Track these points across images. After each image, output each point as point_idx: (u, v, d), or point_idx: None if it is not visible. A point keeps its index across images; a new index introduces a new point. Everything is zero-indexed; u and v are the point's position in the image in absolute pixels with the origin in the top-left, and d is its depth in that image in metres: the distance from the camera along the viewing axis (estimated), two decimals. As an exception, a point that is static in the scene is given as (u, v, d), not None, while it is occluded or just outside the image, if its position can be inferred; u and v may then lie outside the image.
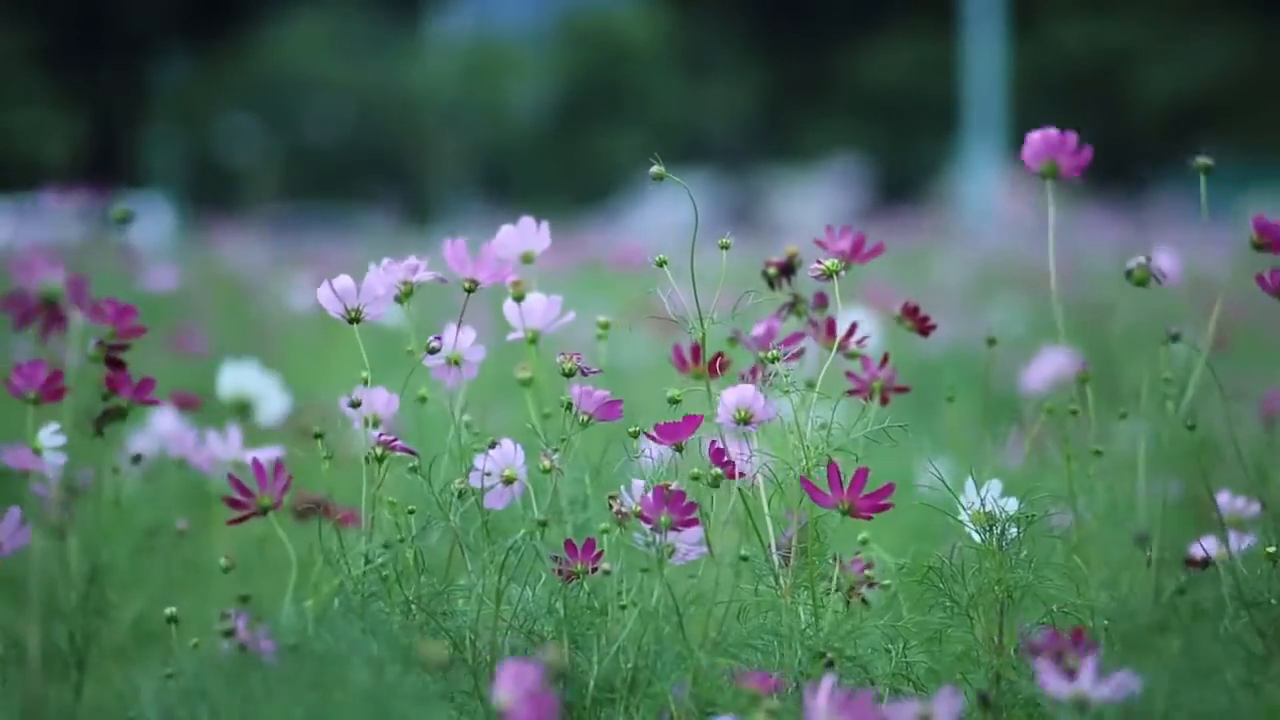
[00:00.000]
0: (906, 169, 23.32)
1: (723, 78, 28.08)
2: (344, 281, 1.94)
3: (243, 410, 2.92)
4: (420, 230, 16.19)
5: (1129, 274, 2.03)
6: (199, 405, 2.97)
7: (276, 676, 1.64)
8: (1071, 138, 2.01)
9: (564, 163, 26.64)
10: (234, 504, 1.91)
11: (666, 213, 15.81)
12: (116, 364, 1.96)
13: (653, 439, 1.89)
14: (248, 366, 2.95)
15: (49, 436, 1.95)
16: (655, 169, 1.94)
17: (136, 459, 2.16)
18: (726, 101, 28.06)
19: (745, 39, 28.51)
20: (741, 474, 1.90)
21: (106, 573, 1.97)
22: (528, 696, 1.52)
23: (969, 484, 1.94)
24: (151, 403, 1.98)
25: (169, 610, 1.94)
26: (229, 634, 1.81)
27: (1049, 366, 3.50)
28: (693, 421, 1.89)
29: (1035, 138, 2.01)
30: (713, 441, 1.89)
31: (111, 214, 1.84)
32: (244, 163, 26.78)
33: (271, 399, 2.93)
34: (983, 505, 1.93)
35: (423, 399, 2.02)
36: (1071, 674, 1.67)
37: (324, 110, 27.64)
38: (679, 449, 1.89)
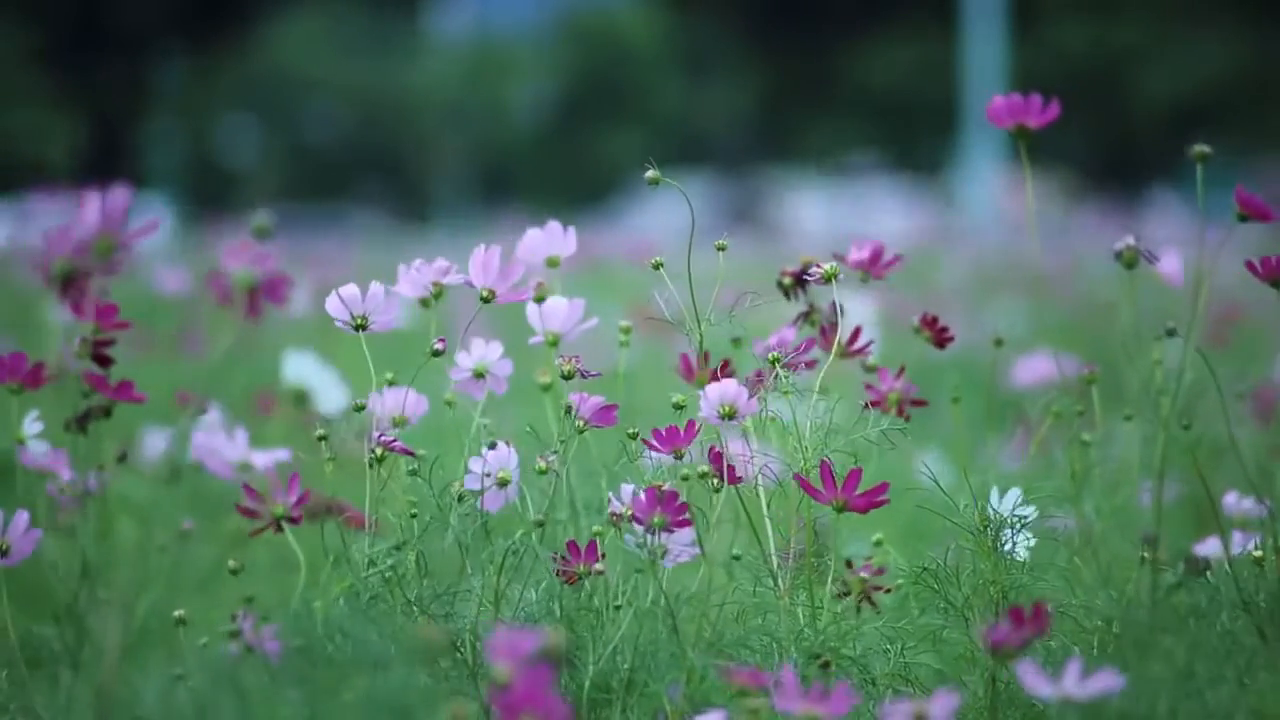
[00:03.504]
0: (906, 169, 23.31)
1: (723, 78, 28.08)
2: (350, 290, 1.94)
3: (301, 400, 2.96)
4: (420, 230, 16.20)
5: (1118, 255, 2.03)
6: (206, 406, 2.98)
7: (284, 677, 1.64)
8: (1036, 98, 2.04)
9: (564, 163, 26.64)
10: (248, 514, 1.92)
11: (667, 213, 15.81)
12: (103, 360, 1.96)
13: (652, 447, 1.89)
14: (306, 358, 2.99)
15: (29, 424, 1.96)
16: (650, 173, 1.93)
17: (122, 457, 2.15)
18: (726, 101, 28.06)
19: (745, 39, 28.51)
20: (740, 478, 1.90)
21: (107, 572, 1.97)
22: (525, 669, 1.50)
23: (970, 486, 1.94)
24: (135, 400, 1.98)
25: (178, 612, 1.94)
26: (234, 635, 1.81)
27: (1040, 366, 3.51)
28: (691, 428, 1.88)
29: (999, 101, 2.04)
30: (712, 446, 1.89)
31: (252, 226, 1.85)
32: (244, 163, 26.79)
33: (330, 391, 2.98)
34: (979, 506, 1.93)
35: (449, 403, 2.01)
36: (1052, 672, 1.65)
37: (324, 110, 27.64)
38: (678, 455, 1.88)
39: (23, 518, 1.90)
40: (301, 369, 2.99)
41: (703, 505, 1.89)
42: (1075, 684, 1.64)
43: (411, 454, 1.89)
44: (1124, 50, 25.65)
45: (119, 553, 1.82)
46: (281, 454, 2.34)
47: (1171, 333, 2.00)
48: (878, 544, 2.07)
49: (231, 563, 1.98)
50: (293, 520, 1.91)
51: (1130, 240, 2.03)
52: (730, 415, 1.89)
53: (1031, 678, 1.64)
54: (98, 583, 1.87)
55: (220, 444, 2.46)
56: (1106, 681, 1.63)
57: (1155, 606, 1.85)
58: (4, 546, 1.90)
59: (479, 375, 1.96)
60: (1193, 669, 1.76)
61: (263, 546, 2.46)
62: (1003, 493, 1.94)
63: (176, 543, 2.32)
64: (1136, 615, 1.84)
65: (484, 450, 1.90)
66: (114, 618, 1.72)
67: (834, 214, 17.39)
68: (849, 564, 2.01)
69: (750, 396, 1.89)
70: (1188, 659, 1.76)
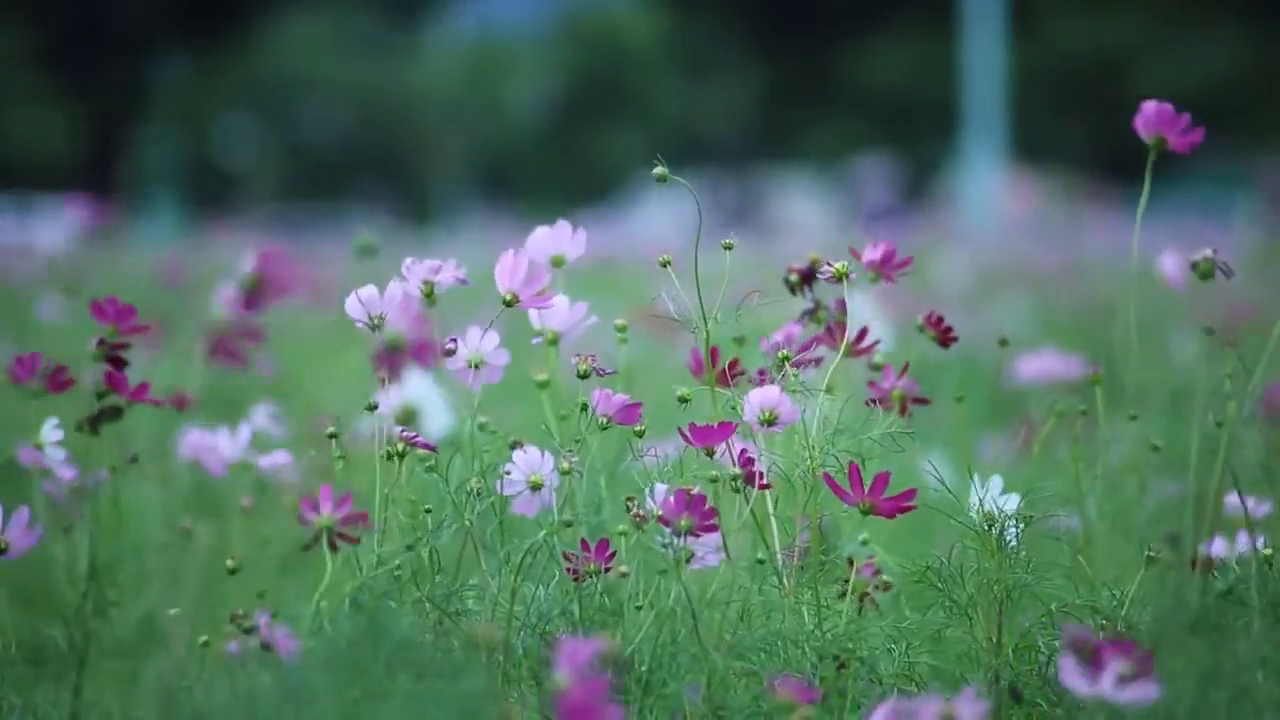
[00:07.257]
0: (907, 169, 23.32)
1: (723, 78, 28.07)
2: (368, 291, 1.95)
3: (409, 418, 2.97)
4: (420, 230, 16.19)
5: (1194, 266, 2.03)
6: (193, 403, 2.99)
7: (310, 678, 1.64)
8: (1186, 117, 2.04)
9: (564, 162, 26.64)
10: (302, 523, 1.92)
11: (666, 213, 15.81)
12: (118, 362, 1.96)
13: (686, 439, 1.88)
14: (424, 379, 2.99)
15: (49, 431, 1.97)
16: (658, 170, 1.93)
17: (134, 459, 2.16)
18: (726, 101, 28.05)
19: (745, 39, 28.50)
20: (768, 484, 1.90)
21: (110, 572, 1.97)
22: (583, 677, 1.53)
23: (973, 484, 1.93)
24: (151, 403, 1.99)
25: (173, 610, 1.94)
26: (249, 630, 1.81)
27: (1042, 365, 3.51)
28: (727, 427, 1.88)
29: (1150, 107, 2.04)
30: (743, 449, 1.89)
31: (354, 244, 1.87)
32: (243, 163, 26.77)
33: (436, 413, 2.98)
34: (982, 505, 1.92)
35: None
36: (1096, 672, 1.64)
37: (324, 110, 27.63)
38: (710, 453, 1.89)
39: (24, 514, 1.90)
40: (418, 389, 2.99)
41: (715, 504, 1.89)
42: (1112, 687, 1.63)
43: (433, 449, 1.90)
44: (1123, 49, 25.64)
45: (192, 554, 1.83)
46: (282, 456, 2.35)
47: (1210, 332, 2.00)
48: (864, 543, 2.08)
49: (230, 561, 1.99)
50: (344, 537, 1.89)
51: (1208, 252, 2.03)
52: (771, 421, 1.90)
53: (1069, 674, 1.63)
54: (104, 583, 1.88)
55: (217, 442, 2.46)
56: (1144, 689, 1.63)
57: (1204, 610, 1.84)
58: (2, 545, 1.90)
59: (474, 366, 1.97)
60: (1219, 670, 1.75)
61: (264, 547, 2.46)
62: (999, 489, 1.93)
63: (181, 542, 2.31)
64: (1180, 616, 1.82)
65: (511, 448, 1.91)
66: (182, 615, 1.73)
67: (833, 214, 17.39)
68: (850, 562, 2.01)
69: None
70: (1214, 661, 1.75)
